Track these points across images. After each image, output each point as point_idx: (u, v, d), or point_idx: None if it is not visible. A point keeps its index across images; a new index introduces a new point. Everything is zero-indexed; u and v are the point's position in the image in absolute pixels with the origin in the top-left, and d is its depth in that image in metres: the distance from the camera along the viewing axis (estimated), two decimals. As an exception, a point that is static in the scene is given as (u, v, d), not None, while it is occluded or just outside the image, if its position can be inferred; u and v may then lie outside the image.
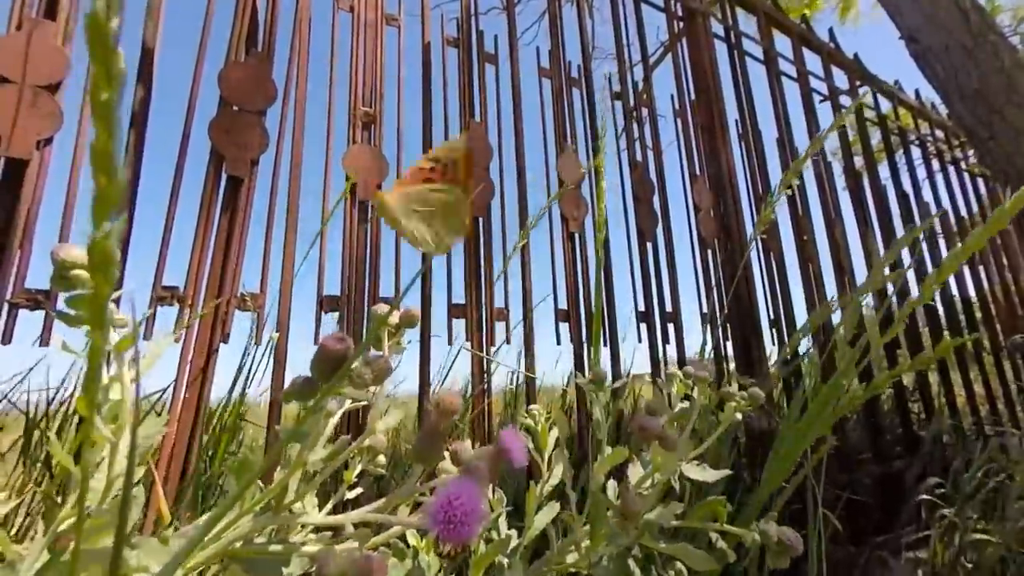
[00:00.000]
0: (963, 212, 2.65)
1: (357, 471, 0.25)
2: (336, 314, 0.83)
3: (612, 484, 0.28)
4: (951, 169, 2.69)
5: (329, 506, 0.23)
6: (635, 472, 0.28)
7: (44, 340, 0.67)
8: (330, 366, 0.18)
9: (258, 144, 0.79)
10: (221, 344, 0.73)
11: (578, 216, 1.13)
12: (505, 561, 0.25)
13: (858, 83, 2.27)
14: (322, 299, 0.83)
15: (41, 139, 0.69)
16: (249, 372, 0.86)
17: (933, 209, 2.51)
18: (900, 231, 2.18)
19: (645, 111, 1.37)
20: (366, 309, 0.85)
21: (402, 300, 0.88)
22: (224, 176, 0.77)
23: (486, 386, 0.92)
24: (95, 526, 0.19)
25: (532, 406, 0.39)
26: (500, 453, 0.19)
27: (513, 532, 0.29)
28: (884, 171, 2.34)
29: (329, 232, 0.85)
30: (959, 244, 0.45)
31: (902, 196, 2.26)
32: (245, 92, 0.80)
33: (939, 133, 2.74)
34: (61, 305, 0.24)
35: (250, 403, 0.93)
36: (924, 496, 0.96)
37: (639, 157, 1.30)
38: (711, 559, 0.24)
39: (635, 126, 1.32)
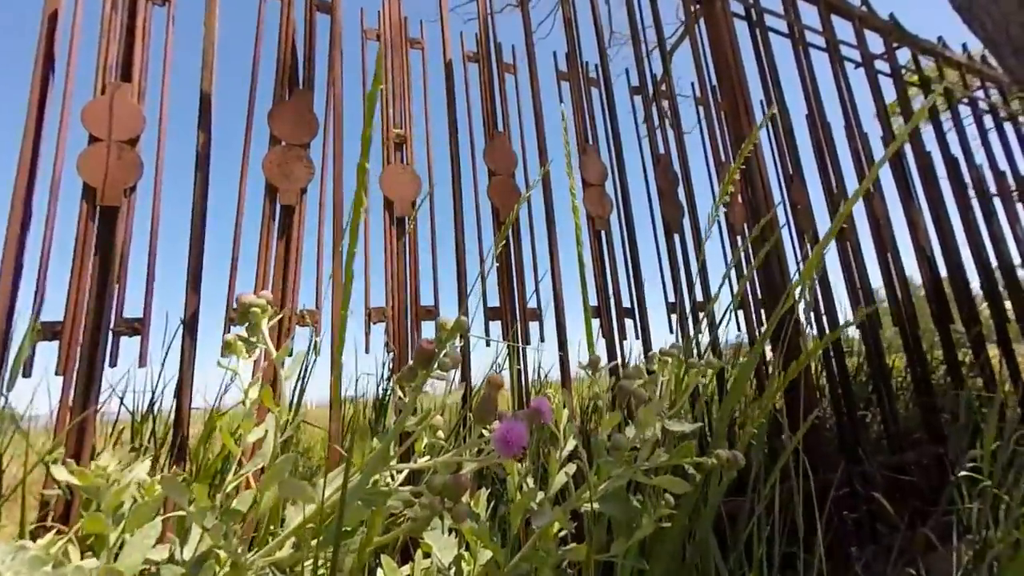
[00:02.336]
0: (1024, 172, 2.46)
1: (424, 443, 0.31)
2: (383, 324, 0.90)
3: (612, 438, 0.34)
4: (1008, 127, 2.50)
5: (406, 472, 0.30)
6: (630, 431, 0.34)
7: (142, 362, 0.78)
8: (426, 359, 0.26)
9: (305, 175, 0.87)
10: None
11: (603, 214, 1.16)
12: (534, 505, 0.32)
13: (895, 45, 2.15)
14: (369, 312, 0.91)
15: (127, 188, 0.79)
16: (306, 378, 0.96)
17: (987, 171, 2.35)
18: (950, 198, 2.06)
19: (665, 103, 1.37)
20: (409, 317, 0.92)
21: (441, 306, 0.93)
22: (278, 206, 0.86)
23: (522, 376, 0.98)
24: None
25: (548, 391, 0.46)
26: (535, 412, 0.26)
27: (537, 487, 0.35)
28: (929, 137, 2.20)
29: (372, 248, 0.92)
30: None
31: (950, 161, 2.13)
32: (291, 128, 0.88)
33: (992, 90, 2.54)
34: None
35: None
36: (964, 473, 0.95)
37: (662, 150, 1.31)
38: (684, 483, 0.31)
39: (656, 118, 1.33)
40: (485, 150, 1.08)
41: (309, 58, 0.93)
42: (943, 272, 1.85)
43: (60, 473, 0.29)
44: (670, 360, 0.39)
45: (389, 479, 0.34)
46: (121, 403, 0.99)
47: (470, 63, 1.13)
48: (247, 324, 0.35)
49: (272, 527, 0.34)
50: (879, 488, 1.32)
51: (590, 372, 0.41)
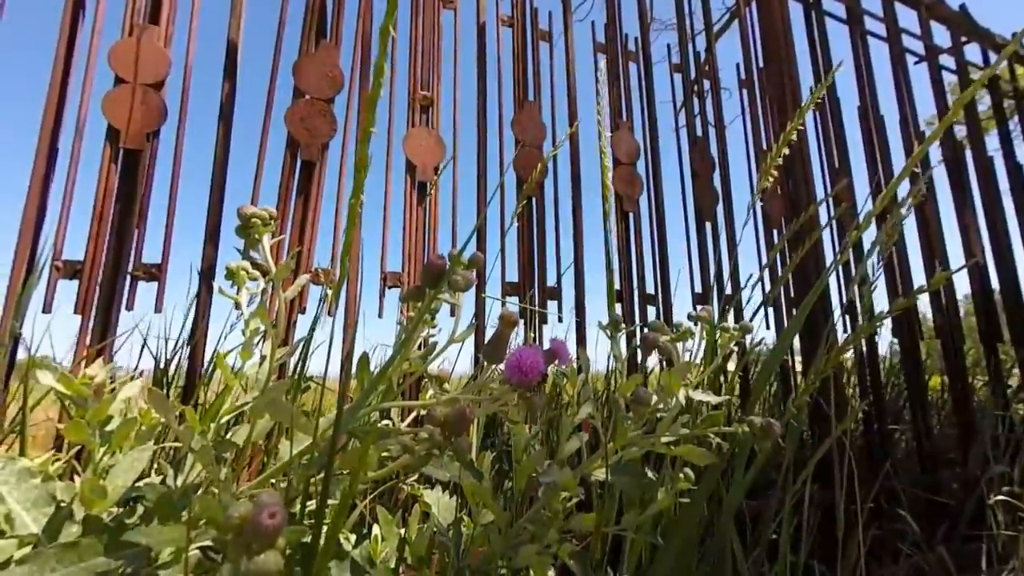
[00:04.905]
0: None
1: (430, 394, 0.28)
2: (398, 290, 0.88)
3: (635, 393, 0.30)
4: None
5: (410, 419, 0.27)
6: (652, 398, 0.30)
7: (158, 307, 0.78)
8: (434, 275, 0.23)
9: (328, 131, 0.85)
10: (299, 315, 0.81)
11: (632, 195, 1.11)
12: (540, 469, 0.29)
13: (963, 39, 1.99)
14: (385, 275, 0.89)
15: (150, 132, 0.78)
16: (312, 341, 0.94)
17: (1054, 183, 2.16)
18: (1010, 209, 1.91)
19: (707, 82, 1.30)
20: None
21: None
22: (299, 161, 0.84)
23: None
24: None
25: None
26: (553, 353, 0.23)
27: (546, 451, 0.32)
28: (993, 142, 2.05)
29: (391, 212, 0.90)
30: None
31: (1014, 169, 1.97)
32: (316, 82, 0.85)
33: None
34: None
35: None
36: (1001, 497, 0.87)
37: (699, 132, 1.24)
38: (711, 454, 0.27)
39: (696, 99, 1.26)
40: (514, 119, 1.04)
41: (338, 12, 0.90)
42: (995, 284, 1.73)
43: (45, 377, 0.27)
44: (700, 321, 0.36)
45: (390, 423, 0.32)
46: (144, 346, 1.01)
47: (504, 27, 1.08)
48: (246, 237, 0.33)
49: (268, 461, 0.32)
50: (906, 506, 1.24)
51: (610, 332, 0.37)
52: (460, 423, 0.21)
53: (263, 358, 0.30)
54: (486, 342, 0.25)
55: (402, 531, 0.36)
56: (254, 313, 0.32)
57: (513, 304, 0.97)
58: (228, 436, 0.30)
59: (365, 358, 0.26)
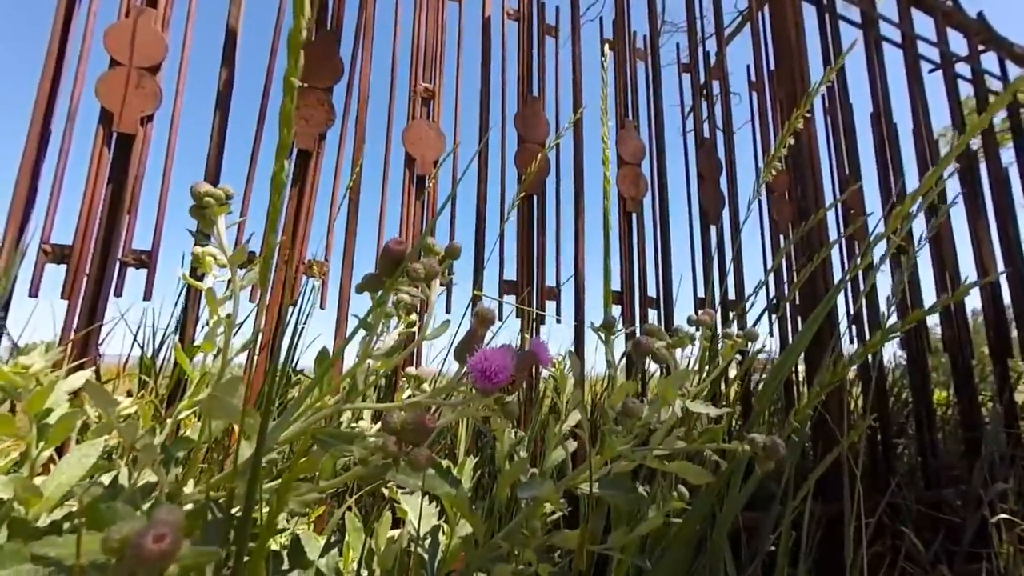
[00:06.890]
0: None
1: (407, 394, 0.26)
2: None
3: (625, 404, 0.28)
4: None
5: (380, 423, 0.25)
6: (645, 409, 0.28)
7: (147, 295, 0.77)
8: (392, 262, 0.20)
9: (325, 120, 0.83)
10: (289, 307, 0.79)
11: (636, 195, 1.09)
12: (523, 478, 0.27)
13: (981, 48, 1.95)
14: (380, 270, 0.87)
15: (144, 116, 0.77)
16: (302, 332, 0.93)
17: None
18: None
19: (716, 84, 1.27)
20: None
21: (456, 276, 0.89)
22: (294, 150, 0.82)
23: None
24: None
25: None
26: (531, 355, 0.21)
27: (529, 460, 0.30)
28: (1008, 155, 2.01)
29: (388, 206, 0.88)
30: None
31: (1030, 181, 1.93)
32: (313, 69, 0.84)
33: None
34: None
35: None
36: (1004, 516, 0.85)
37: (707, 134, 1.22)
38: (705, 472, 0.25)
39: (704, 101, 1.23)
40: (517, 115, 1.02)
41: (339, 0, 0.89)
42: (1006, 299, 1.69)
43: (-26, 367, 0.25)
44: (700, 326, 0.34)
45: (355, 426, 0.30)
46: (135, 339, 1.00)
47: (510, 21, 1.06)
48: (200, 218, 0.31)
49: (227, 462, 0.30)
50: (909, 523, 1.21)
51: (603, 335, 0.35)
52: (419, 432, 0.19)
53: (219, 351, 0.28)
54: (459, 340, 0.23)
55: (371, 540, 0.34)
56: (220, 302, 0.30)
57: (509, 304, 0.95)
58: (186, 433, 0.28)
59: (324, 353, 0.24)
